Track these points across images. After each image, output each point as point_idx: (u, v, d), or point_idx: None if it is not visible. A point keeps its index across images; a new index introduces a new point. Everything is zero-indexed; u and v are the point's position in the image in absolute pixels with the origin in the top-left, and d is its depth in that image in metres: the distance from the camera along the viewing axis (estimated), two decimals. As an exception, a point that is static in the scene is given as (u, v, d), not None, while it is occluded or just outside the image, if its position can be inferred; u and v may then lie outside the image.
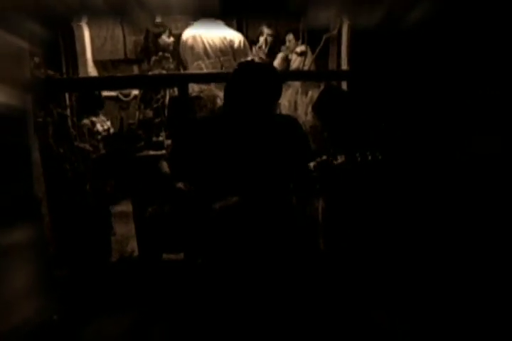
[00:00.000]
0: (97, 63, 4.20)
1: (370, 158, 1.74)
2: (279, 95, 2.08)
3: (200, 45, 3.53)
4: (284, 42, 4.50)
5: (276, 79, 2.04)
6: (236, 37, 3.68)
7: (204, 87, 3.00)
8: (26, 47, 2.42)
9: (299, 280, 2.19)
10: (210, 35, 3.58)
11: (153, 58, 3.98)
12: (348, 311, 2.45)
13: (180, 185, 2.16)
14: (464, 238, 2.32)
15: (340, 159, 1.81)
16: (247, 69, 2.05)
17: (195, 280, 2.26)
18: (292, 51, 4.59)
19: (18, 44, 2.27)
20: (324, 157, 1.80)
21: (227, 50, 3.55)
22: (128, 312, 2.52)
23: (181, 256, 2.84)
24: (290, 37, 4.63)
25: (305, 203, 2.54)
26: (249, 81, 1.99)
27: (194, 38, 3.57)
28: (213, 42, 3.56)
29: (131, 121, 3.28)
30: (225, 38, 3.60)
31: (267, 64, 2.08)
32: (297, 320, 2.18)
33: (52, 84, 2.70)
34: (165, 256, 2.97)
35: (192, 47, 3.54)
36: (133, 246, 3.17)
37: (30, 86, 2.57)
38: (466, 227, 2.31)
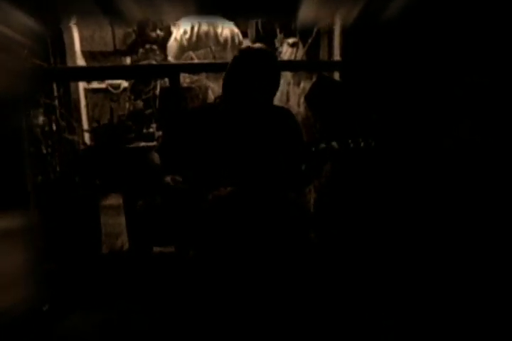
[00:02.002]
0: (85, 54, 4.13)
1: (362, 144, 1.72)
2: (279, 82, 2.03)
3: (212, 35, 3.49)
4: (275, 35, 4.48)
5: (276, 65, 2.01)
6: (237, 30, 3.72)
7: (195, 77, 2.97)
8: (18, 38, 2.37)
9: (292, 271, 2.17)
10: (220, 26, 3.57)
11: (141, 50, 3.94)
12: (342, 303, 2.46)
13: (168, 179, 2.14)
14: (455, 225, 2.33)
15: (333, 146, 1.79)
16: (250, 53, 1.98)
17: (186, 272, 2.23)
18: (282, 44, 4.58)
19: (8, 35, 2.23)
20: (323, 145, 1.77)
21: (234, 42, 3.54)
22: (117, 304, 2.50)
23: (172, 249, 2.82)
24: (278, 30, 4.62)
25: (298, 194, 2.53)
26: (252, 66, 1.93)
27: (208, 24, 3.52)
28: (226, 32, 3.56)
29: (121, 113, 3.23)
30: (233, 30, 3.63)
31: (267, 48, 2.03)
32: (290, 312, 2.16)
33: (42, 74, 2.64)
34: (156, 249, 2.95)
35: (207, 35, 3.49)
36: (123, 239, 3.15)
37: (21, 76, 2.53)
38: (457, 214, 2.32)
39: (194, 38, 3.47)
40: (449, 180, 2.35)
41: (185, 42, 3.47)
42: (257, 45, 2.10)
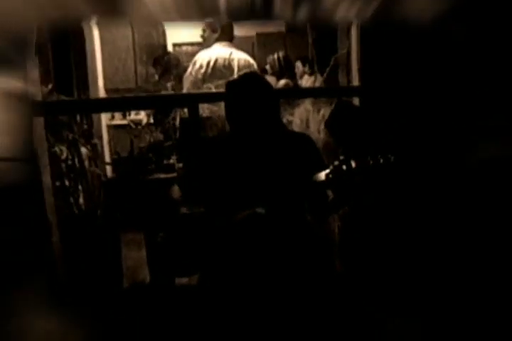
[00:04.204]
0: (108, 92, 4.25)
1: (382, 161, 1.68)
2: (273, 102, 2.06)
3: (229, 67, 3.59)
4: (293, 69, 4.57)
5: (263, 85, 2.04)
6: (252, 61, 3.81)
7: (215, 108, 3.00)
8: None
9: (315, 301, 2.09)
10: (238, 59, 3.67)
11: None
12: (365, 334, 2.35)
13: (184, 209, 2.14)
14: (480, 246, 2.23)
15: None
16: (234, 83, 2.06)
17: (208, 301, 2.16)
18: (301, 77, 4.66)
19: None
20: (336, 163, 1.74)
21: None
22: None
23: (194, 281, 2.76)
24: (298, 64, 4.73)
25: (321, 222, 2.46)
26: (238, 94, 2.00)
27: (224, 59, 3.62)
28: (242, 63, 3.65)
29: (141, 145, 3.27)
30: (249, 61, 3.72)
31: (252, 73, 2.12)
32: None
33: (62, 106, 2.69)
34: (178, 281, 2.90)
35: (222, 70, 3.59)
36: (145, 273, 3.11)
37: (38, 109, 2.58)
38: (480, 234, 2.23)
39: (209, 71, 3.57)
40: (476, 199, 2.26)
41: (200, 76, 3.57)
42: (242, 73, 2.20)
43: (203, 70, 3.55)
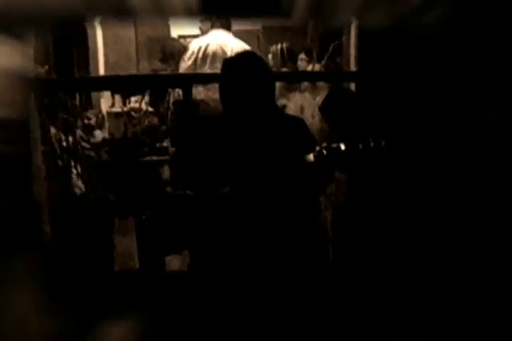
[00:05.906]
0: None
1: (372, 145, 1.66)
2: (269, 83, 2.03)
3: (222, 52, 3.61)
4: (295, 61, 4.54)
5: (262, 65, 2.02)
6: (249, 48, 3.80)
7: (210, 92, 3.00)
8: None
9: (305, 290, 2.06)
10: (232, 44, 3.69)
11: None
12: (357, 323, 2.31)
13: (168, 189, 2.14)
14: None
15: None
16: (232, 60, 2.06)
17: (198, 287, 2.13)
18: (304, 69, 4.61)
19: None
20: (324, 144, 1.72)
21: None
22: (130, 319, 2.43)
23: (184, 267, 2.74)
24: (302, 56, 4.69)
25: (314, 207, 2.43)
26: (234, 71, 1.98)
27: (217, 45, 3.64)
28: (235, 50, 3.57)
29: (136, 128, 3.27)
30: (243, 48, 3.69)
31: (250, 52, 2.10)
32: (302, 331, 2.03)
33: (55, 85, 2.69)
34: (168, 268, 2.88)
35: (214, 55, 3.60)
36: (136, 259, 3.09)
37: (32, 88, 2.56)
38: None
39: (200, 56, 3.59)
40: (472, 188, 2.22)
41: (190, 62, 3.60)
42: (241, 51, 2.18)
43: (194, 56, 3.58)
